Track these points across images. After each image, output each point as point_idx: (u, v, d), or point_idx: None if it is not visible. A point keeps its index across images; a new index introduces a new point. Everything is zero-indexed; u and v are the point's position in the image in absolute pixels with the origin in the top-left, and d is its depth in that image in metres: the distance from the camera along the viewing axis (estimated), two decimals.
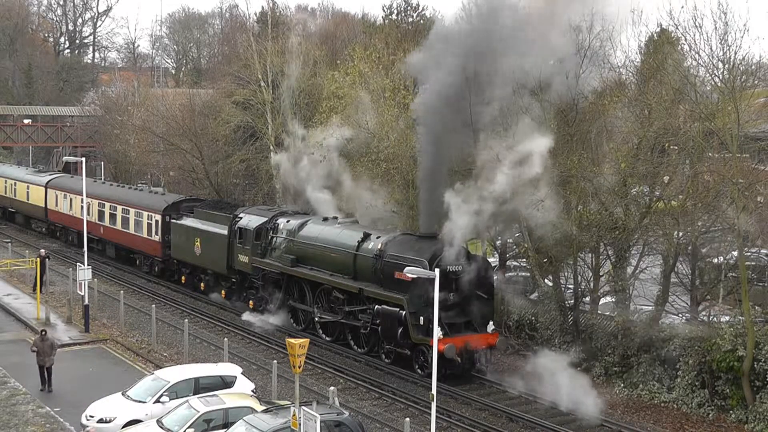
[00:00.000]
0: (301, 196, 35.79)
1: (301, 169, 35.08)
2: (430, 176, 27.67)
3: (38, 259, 35.77)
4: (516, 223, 29.49)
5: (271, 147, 43.06)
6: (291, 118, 40.44)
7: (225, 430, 19.17)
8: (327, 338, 30.58)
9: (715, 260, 27.68)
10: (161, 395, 21.53)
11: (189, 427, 19.37)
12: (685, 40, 25.72)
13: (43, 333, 25.98)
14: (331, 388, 21.60)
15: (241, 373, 23.37)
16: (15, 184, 57.65)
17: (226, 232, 35.35)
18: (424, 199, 28.35)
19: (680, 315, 27.29)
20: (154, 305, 32.94)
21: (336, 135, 34.26)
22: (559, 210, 26.03)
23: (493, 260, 33.00)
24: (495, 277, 29.08)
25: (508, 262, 34.01)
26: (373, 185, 32.79)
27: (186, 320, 29.68)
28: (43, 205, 52.88)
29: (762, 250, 29.33)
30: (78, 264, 33.20)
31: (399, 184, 33.17)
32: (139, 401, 21.61)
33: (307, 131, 36.93)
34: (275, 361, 25.16)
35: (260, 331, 32.04)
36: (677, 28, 25.59)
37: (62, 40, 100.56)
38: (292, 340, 18.06)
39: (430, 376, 19.45)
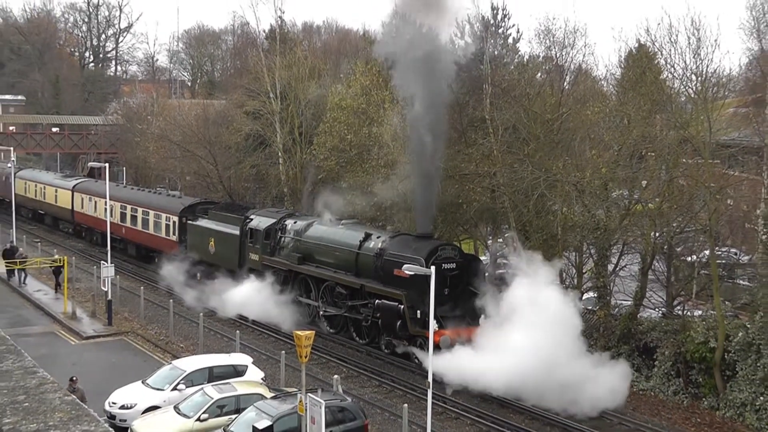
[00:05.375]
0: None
1: None
2: (423, 179, 27.71)
3: (60, 260, 35.57)
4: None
5: (280, 154, 43.11)
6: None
7: (237, 414, 19.27)
8: (331, 330, 30.63)
9: (689, 259, 27.75)
10: (178, 383, 21.61)
11: (204, 413, 19.46)
12: (662, 54, 25.84)
13: (73, 381, 20.09)
14: (335, 376, 21.67)
15: (252, 363, 23.44)
16: (44, 188, 57.63)
17: (238, 232, 35.39)
18: (418, 201, 28.38)
19: (657, 309, 27.35)
20: (171, 300, 32.96)
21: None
22: None
23: (485, 258, 33.04)
24: (485, 274, 29.07)
25: (498, 260, 33.99)
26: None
27: (201, 314, 29.74)
28: (70, 208, 52.85)
29: (732, 249, 29.41)
30: (102, 262, 33.24)
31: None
32: (158, 389, 21.70)
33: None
34: (283, 352, 25.20)
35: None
36: (654, 43, 25.72)
37: (87, 54, 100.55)
38: (299, 332, 18.09)
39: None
